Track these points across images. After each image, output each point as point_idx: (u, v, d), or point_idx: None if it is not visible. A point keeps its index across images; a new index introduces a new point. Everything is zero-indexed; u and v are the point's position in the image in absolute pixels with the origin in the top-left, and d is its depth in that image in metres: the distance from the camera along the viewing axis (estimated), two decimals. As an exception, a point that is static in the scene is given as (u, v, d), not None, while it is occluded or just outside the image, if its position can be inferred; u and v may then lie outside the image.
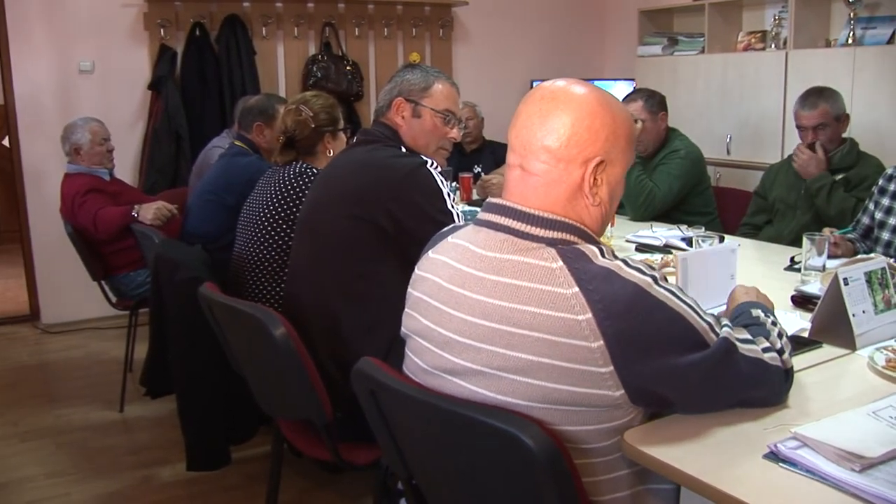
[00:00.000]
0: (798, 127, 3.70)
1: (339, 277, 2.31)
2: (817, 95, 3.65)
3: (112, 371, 4.33)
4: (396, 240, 2.24)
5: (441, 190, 2.29)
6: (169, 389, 3.18)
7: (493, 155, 5.32)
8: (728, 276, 2.39)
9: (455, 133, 2.53)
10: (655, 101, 3.98)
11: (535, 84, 6.02)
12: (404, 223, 2.24)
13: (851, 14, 4.72)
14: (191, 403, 2.87)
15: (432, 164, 2.32)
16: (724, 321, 1.49)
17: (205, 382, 2.82)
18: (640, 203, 3.78)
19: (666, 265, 2.76)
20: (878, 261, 2.06)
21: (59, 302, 5.29)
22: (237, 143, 3.78)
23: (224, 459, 3.01)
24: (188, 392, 2.88)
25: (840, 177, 3.58)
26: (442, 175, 2.33)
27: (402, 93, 2.47)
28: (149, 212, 3.83)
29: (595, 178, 1.46)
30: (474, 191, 4.39)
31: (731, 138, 5.35)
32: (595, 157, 1.45)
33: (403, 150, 2.42)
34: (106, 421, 3.83)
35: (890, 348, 1.87)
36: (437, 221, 2.13)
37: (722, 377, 1.42)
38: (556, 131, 1.44)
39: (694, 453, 1.39)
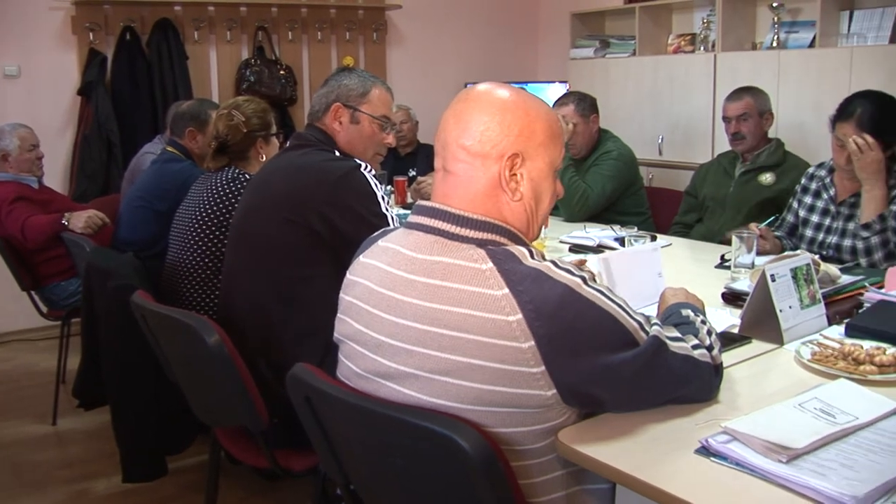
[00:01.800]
0: (723, 119, 3.86)
1: (273, 283, 2.29)
2: (744, 90, 3.85)
3: (44, 383, 4.22)
4: (331, 244, 2.23)
5: (375, 193, 2.28)
6: (103, 400, 3.12)
7: (427, 158, 5.32)
8: (655, 274, 2.43)
9: (391, 139, 2.54)
10: (587, 104, 4.03)
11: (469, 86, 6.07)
12: (339, 227, 2.22)
13: (775, 18, 4.85)
14: (125, 414, 2.82)
15: (366, 167, 2.31)
16: (655, 320, 1.51)
17: (139, 392, 2.78)
18: (573, 204, 3.83)
19: (581, 264, 2.79)
20: (802, 257, 2.12)
21: (-14, 313, 5.15)
22: (169, 148, 3.73)
23: (160, 470, 2.96)
24: (122, 402, 2.83)
25: (768, 175, 3.68)
26: (376, 178, 2.32)
27: (341, 98, 2.45)
28: (79, 220, 3.75)
29: (513, 174, 1.48)
30: (409, 194, 4.39)
31: (662, 139, 5.44)
32: (508, 151, 1.47)
33: (337, 153, 2.41)
34: (38, 435, 3.74)
35: (815, 342, 1.92)
36: (371, 224, 2.12)
37: (653, 375, 1.44)
38: (469, 129, 1.47)
39: (627, 451, 1.41)
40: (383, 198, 2.30)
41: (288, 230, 2.26)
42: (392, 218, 2.28)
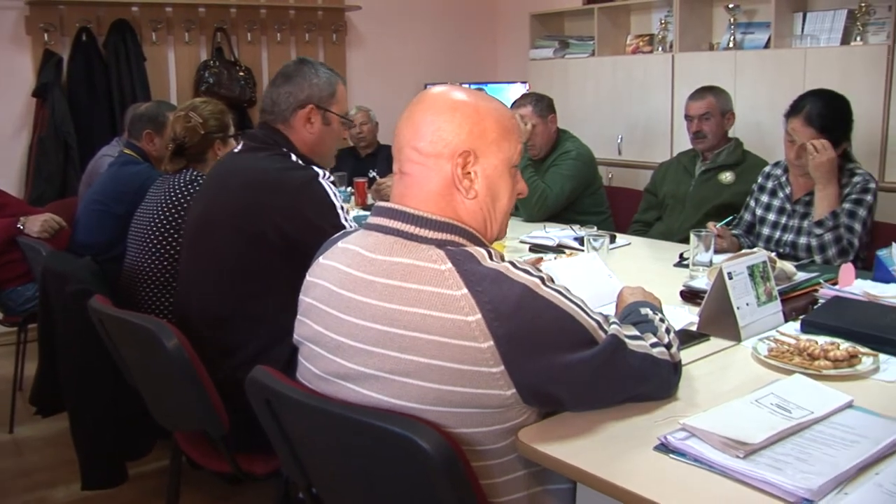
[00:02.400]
0: (686, 117, 3.89)
1: (231, 294, 2.25)
2: (706, 90, 3.89)
3: (0, 391, 4.15)
4: (289, 256, 2.18)
5: (334, 204, 2.23)
6: (61, 407, 3.08)
7: (387, 159, 5.32)
8: (604, 276, 2.46)
9: (347, 133, 2.50)
10: (544, 105, 4.05)
11: (428, 88, 6.09)
12: (297, 239, 2.16)
13: (731, 20, 4.92)
14: (83, 420, 2.79)
15: (325, 175, 2.26)
16: (613, 319, 1.53)
17: (97, 398, 2.74)
18: (532, 204, 3.84)
19: (538, 262, 2.82)
20: (759, 255, 2.14)
21: (-60, 320, 5.05)
22: (127, 151, 3.68)
23: (120, 476, 2.92)
24: (80, 409, 2.79)
25: (727, 174, 3.73)
26: (334, 183, 2.29)
27: (313, 99, 2.36)
28: (35, 224, 3.70)
29: (466, 172, 1.49)
30: (369, 195, 4.39)
31: (621, 139, 5.48)
32: (460, 149, 1.47)
33: (294, 157, 2.33)
34: (-6, 443, 3.69)
35: (771, 338, 1.95)
36: (327, 235, 2.12)
37: (611, 373, 1.46)
38: (421, 131, 1.48)
39: (587, 449, 1.42)
40: (342, 207, 2.25)
41: (244, 242, 2.21)
42: (351, 227, 2.24)
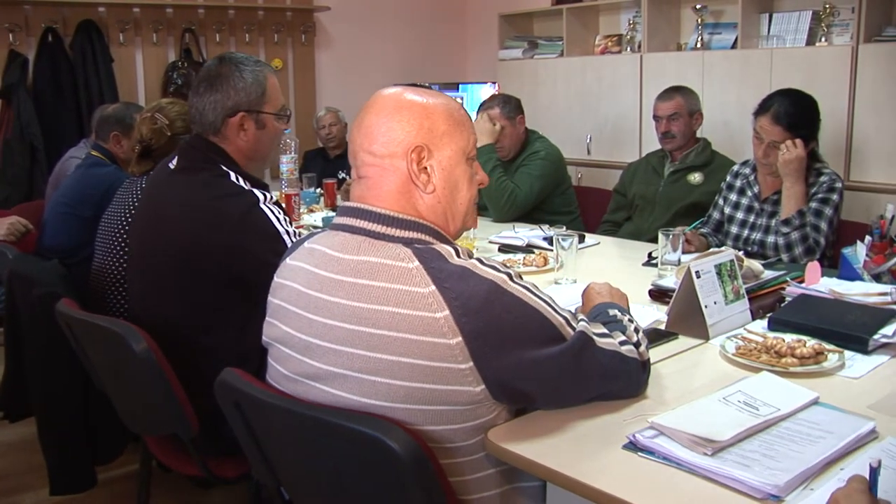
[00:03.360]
0: (654, 118, 3.91)
1: (184, 324, 2.16)
2: (674, 90, 3.91)
3: (-34, 395, 4.10)
4: (236, 288, 2.10)
5: (278, 232, 2.08)
6: (28, 412, 3.05)
7: (358, 160, 5.31)
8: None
9: (287, 124, 2.35)
10: (512, 106, 4.06)
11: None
12: (241, 272, 2.07)
13: (699, 20, 4.96)
14: (52, 425, 2.76)
15: (267, 199, 2.12)
16: (581, 317, 1.54)
17: (66, 402, 2.71)
18: (502, 204, 3.85)
19: (528, 265, 2.83)
20: (727, 254, 2.17)
21: None
22: (94, 153, 3.65)
23: (90, 481, 2.89)
24: (48, 413, 2.76)
25: (696, 175, 3.76)
26: (278, 203, 2.16)
27: (242, 105, 2.20)
28: (2, 227, 3.65)
29: (422, 167, 1.50)
30: (338, 196, 4.37)
31: (590, 139, 5.51)
32: (412, 145, 1.49)
33: (233, 176, 2.17)
34: (-39, 448, 3.64)
35: (740, 336, 1.97)
36: (274, 265, 2.09)
37: (580, 370, 1.47)
38: (372, 134, 1.50)
39: (556, 448, 1.43)
40: (287, 232, 2.10)
41: (189, 278, 2.12)
42: None
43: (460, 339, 1.35)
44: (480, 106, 4.18)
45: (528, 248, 3.14)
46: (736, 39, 4.77)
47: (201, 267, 2.09)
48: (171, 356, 2.00)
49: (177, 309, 2.18)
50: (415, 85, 1.60)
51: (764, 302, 2.26)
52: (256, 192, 2.14)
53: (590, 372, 1.49)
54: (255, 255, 2.04)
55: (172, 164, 2.30)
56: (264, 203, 2.11)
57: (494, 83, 6.15)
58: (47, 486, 2.82)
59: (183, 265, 2.12)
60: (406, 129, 1.49)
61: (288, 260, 1.62)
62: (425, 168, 1.50)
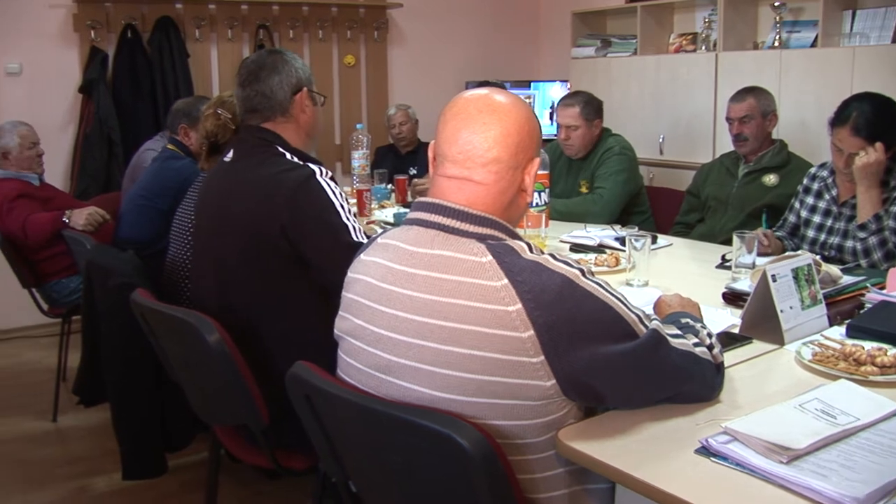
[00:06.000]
0: (727, 119, 3.83)
1: (255, 309, 2.20)
2: (748, 91, 3.81)
3: (45, 380, 4.22)
4: (298, 259, 2.14)
5: (333, 202, 2.15)
6: (103, 398, 3.12)
7: (427, 157, 5.31)
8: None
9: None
10: (592, 109, 4.02)
11: (469, 86, 6.05)
12: (300, 241, 2.12)
13: (777, 18, 4.84)
14: (125, 411, 2.82)
15: (323, 173, 2.18)
16: (654, 316, 1.52)
17: (139, 390, 2.78)
18: (598, 211, 3.83)
19: (599, 265, 2.80)
20: (804, 257, 2.11)
21: (-12, 311, 5.16)
22: (170, 146, 3.72)
23: (160, 468, 2.96)
24: (122, 400, 2.83)
25: (772, 176, 3.68)
26: (333, 179, 2.21)
27: (304, 82, 2.34)
28: (80, 217, 3.76)
29: (526, 172, 1.55)
30: (409, 192, 4.39)
31: (663, 138, 5.44)
32: (533, 157, 1.54)
33: (289, 156, 2.25)
34: (39, 431, 3.75)
35: (816, 342, 1.92)
36: (331, 235, 2.09)
37: (652, 368, 1.45)
38: (504, 141, 1.50)
39: (627, 450, 1.41)
40: (342, 206, 2.17)
41: (255, 257, 2.17)
42: (353, 228, 2.16)
43: (532, 332, 1.35)
44: (560, 101, 4.16)
45: (600, 248, 3.10)
46: (816, 37, 4.64)
47: (265, 243, 2.14)
48: (242, 347, 2.03)
49: (245, 296, 2.22)
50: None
51: (842, 308, 2.20)
52: (312, 166, 2.20)
53: (662, 371, 1.47)
54: (311, 222, 2.11)
55: (228, 158, 2.36)
56: (320, 176, 2.17)
57: (566, 82, 6.11)
58: (120, 471, 2.89)
59: (248, 244, 2.17)
60: (529, 142, 1.53)
61: (362, 256, 1.63)
62: (524, 174, 1.54)
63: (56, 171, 5.09)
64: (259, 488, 3.15)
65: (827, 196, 3.13)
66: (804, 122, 4.49)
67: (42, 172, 4.14)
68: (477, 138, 1.50)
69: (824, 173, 3.19)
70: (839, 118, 2.93)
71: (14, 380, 4.44)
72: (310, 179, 2.15)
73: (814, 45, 4.66)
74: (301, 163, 2.23)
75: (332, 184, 2.18)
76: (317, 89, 2.44)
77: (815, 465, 1.31)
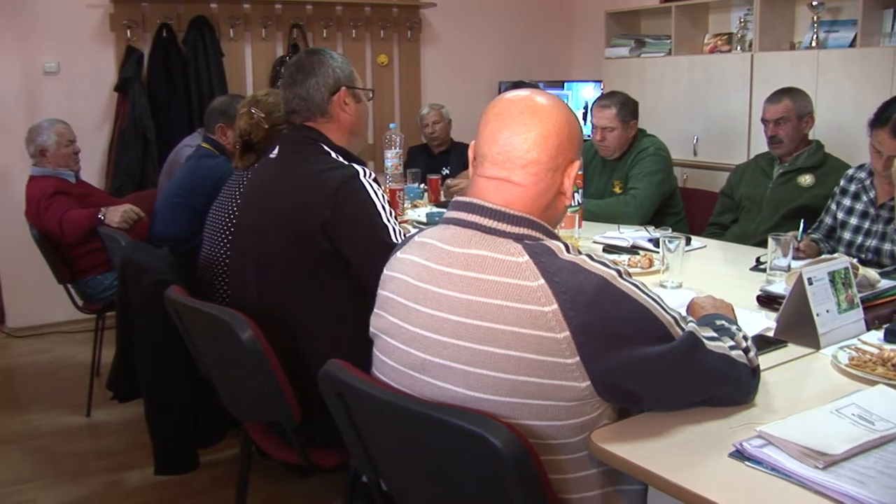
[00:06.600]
0: (762, 121, 3.79)
1: (291, 306, 2.22)
2: (784, 92, 3.76)
3: (79, 375, 4.28)
4: (338, 256, 2.15)
5: (375, 202, 2.16)
6: (136, 393, 3.15)
7: (461, 157, 5.30)
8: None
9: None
10: (628, 111, 4.00)
11: (502, 86, 6.05)
12: (340, 239, 2.13)
13: (815, 18, 4.79)
14: (158, 407, 2.85)
15: (366, 173, 2.19)
16: (690, 318, 1.51)
17: (172, 386, 2.80)
18: (632, 212, 3.81)
19: (633, 266, 2.78)
20: (841, 261, 2.09)
21: (25, 305, 5.23)
22: (204, 144, 3.75)
23: (192, 463, 2.98)
24: (156, 396, 2.85)
25: (807, 177, 3.63)
26: (376, 181, 2.21)
27: (342, 81, 2.34)
28: (116, 214, 3.80)
29: (566, 175, 1.55)
30: (442, 192, 4.39)
31: (697, 139, 5.40)
32: (573, 159, 1.53)
33: (333, 154, 2.27)
34: (73, 426, 3.79)
35: (853, 347, 1.89)
36: (371, 235, 2.09)
37: (688, 370, 1.44)
38: (544, 143, 1.50)
39: (661, 452, 1.40)
40: (384, 207, 2.18)
41: (296, 252, 2.18)
42: (394, 228, 2.16)
43: (567, 333, 1.34)
44: (596, 101, 4.14)
45: (633, 250, 3.08)
46: (855, 37, 4.59)
47: (306, 240, 2.15)
48: (276, 344, 2.04)
49: (284, 292, 2.23)
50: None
51: (880, 312, 2.17)
52: (356, 166, 2.21)
53: (698, 373, 1.46)
54: (352, 221, 2.12)
55: (272, 155, 2.39)
56: (363, 177, 2.17)
57: (600, 82, 6.08)
58: (152, 466, 2.92)
59: (289, 240, 2.18)
60: (569, 144, 1.52)
61: (399, 254, 1.63)
62: (563, 177, 1.54)
63: (91, 169, 5.15)
64: (289, 485, 3.17)
65: (864, 198, 3.09)
66: (841, 124, 4.44)
67: (78, 170, 4.18)
68: (517, 139, 1.50)
69: (862, 175, 3.15)
70: (879, 120, 2.88)
71: (49, 375, 4.49)
72: (353, 179, 2.16)
73: (852, 45, 4.60)
74: (345, 162, 2.24)
75: (374, 185, 2.19)
76: (361, 85, 2.43)
77: (852, 472, 1.29)
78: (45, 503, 3.09)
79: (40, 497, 3.13)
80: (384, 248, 1.98)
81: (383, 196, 2.20)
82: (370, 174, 2.20)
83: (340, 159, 2.26)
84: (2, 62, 5.03)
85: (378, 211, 2.15)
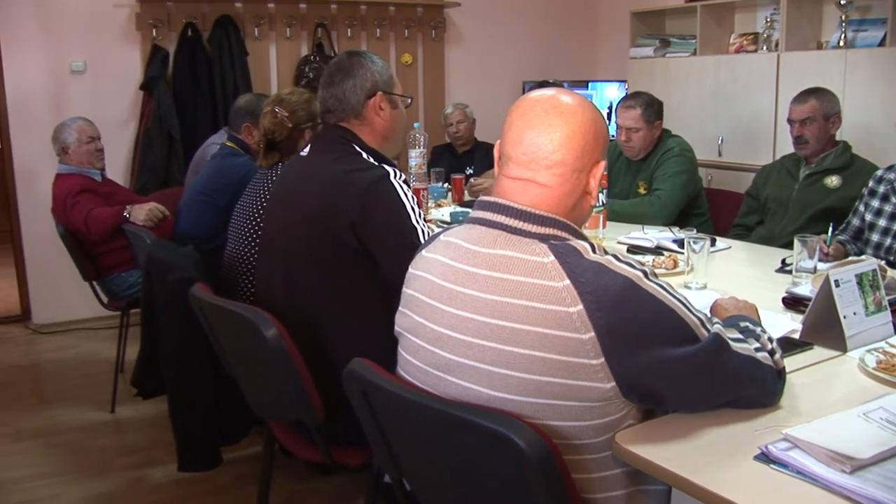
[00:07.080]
0: (788, 121, 3.76)
1: (318, 305, 2.23)
2: (810, 92, 3.73)
3: (103, 371, 4.31)
4: (367, 258, 2.16)
5: (404, 203, 2.16)
6: (160, 390, 3.17)
7: (485, 156, 5.31)
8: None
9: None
10: (653, 111, 3.99)
11: (526, 86, 6.03)
12: (368, 239, 2.14)
13: (843, 17, 4.74)
14: (182, 404, 2.87)
15: (396, 175, 2.19)
16: (716, 320, 1.50)
17: (196, 383, 2.81)
18: (656, 213, 3.79)
19: (657, 267, 2.77)
20: (868, 263, 2.07)
21: (50, 302, 5.27)
22: (229, 143, 3.76)
23: (216, 460, 3.00)
24: (179, 393, 2.87)
25: (834, 178, 3.60)
26: (406, 182, 2.21)
27: (379, 86, 2.33)
28: (141, 212, 3.82)
29: (592, 175, 1.54)
30: (465, 191, 4.39)
31: (722, 140, 5.36)
32: (599, 160, 1.53)
33: (365, 155, 2.27)
34: (97, 422, 3.82)
35: (881, 350, 1.88)
36: (400, 236, 2.09)
37: (713, 372, 1.43)
38: (569, 144, 1.49)
39: (685, 454, 1.40)
40: (413, 209, 2.18)
41: (323, 251, 2.19)
42: (422, 230, 2.16)
43: (593, 334, 1.34)
44: (621, 101, 4.13)
45: (658, 250, 3.07)
46: (884, 36, 4.53)
47: (334, 238, 2.15)
48: (301, 343, 2.04)
49: (311, 290, 2.24)
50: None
51: (909, 315, 2.14)
52: (387, 167, 2.21)
53: (723, 375, 1.45)
54: (381, 221, 2.12)
55: (304, 153, 2.40)
56: (394, 178, 2.18)
57: (624, 82, 6.06)
58: (175, 462, 2.94)
59: (317, 238, 2.19)
60: (595, 145, 1.52)
61: (424, 252, 1.63)
62: (589, 177, 1.53)
63: (117, 167, 5.19)
64: (312, 484, 3.18)
65: (894, 199, 3.06)
66: (870, 125, 4.39)
67: (103, 168, 4.21)
68: (542, 140, 1.49)
69: (891, 176, 3.12)
70: None
71: (74, 371, 4.53)
72: (383, 180, 2.16)
73: (881, 44, 4.55)
74: (376, 163, 2.24)
75: (404, 186, 2.19)
76: (399, 91, 2.42)
77: (880, 476, 1.28)
78: (69, 498, 3.12)
79: (64, 492, 3.16)
80: (412, 249, 1.97)
81: (413, 198, 2.20)
82: (401, 175, 2.20)
83: (371, 160, 2.26)
84: (29, 61, 5.08)
85: (407, 212, 2.15)
